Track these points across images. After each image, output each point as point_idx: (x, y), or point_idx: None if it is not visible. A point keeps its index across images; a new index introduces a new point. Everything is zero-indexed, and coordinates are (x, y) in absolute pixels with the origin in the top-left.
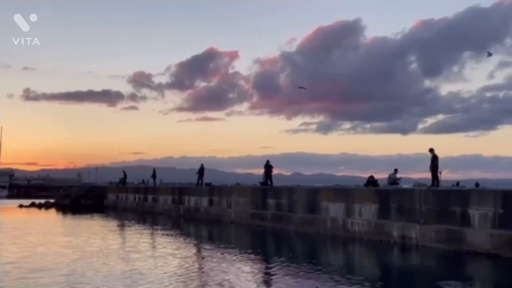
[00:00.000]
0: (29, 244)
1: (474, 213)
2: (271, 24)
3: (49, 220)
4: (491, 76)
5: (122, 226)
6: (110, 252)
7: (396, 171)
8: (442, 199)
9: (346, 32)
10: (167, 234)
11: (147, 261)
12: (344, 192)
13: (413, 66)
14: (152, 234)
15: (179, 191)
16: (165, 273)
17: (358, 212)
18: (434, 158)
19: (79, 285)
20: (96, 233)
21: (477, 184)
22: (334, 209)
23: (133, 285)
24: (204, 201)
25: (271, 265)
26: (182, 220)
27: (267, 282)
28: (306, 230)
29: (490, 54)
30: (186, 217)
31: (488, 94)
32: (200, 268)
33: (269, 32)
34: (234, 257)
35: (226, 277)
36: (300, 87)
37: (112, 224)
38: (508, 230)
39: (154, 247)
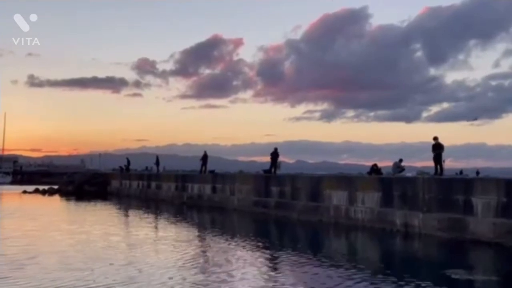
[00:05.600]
0: (69, 232)
1: (477, 201)
2: (276, 11)
3: (68, 208)
4: (496, 64)
5: (142, 214)
6: (151, 242)
7: (401, 160)
8: (445, 188)
9: (352, 20)
10: (188, 223)
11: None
12: (347, 180)
13: (418, 54)
14: (172, 223)
15: (183, 178)
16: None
17: (361, 200)
18: (438, 147)
19: (140, 277)
20: (122, 222)
21: (477, 172)
22: (337, 197)
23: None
24: (207, 189)
25: (273, 253)
26: (185, 207)
27: (270, 269)
28: (309, 218)
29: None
30: (189, 204)
31: (493, 83)
32: (203, 255)
33: (274, 19)
34: (237, 244)
35: (229, 264)
36: None
37: (127, 212)
38: (511, 219)
39: (184, 236)
